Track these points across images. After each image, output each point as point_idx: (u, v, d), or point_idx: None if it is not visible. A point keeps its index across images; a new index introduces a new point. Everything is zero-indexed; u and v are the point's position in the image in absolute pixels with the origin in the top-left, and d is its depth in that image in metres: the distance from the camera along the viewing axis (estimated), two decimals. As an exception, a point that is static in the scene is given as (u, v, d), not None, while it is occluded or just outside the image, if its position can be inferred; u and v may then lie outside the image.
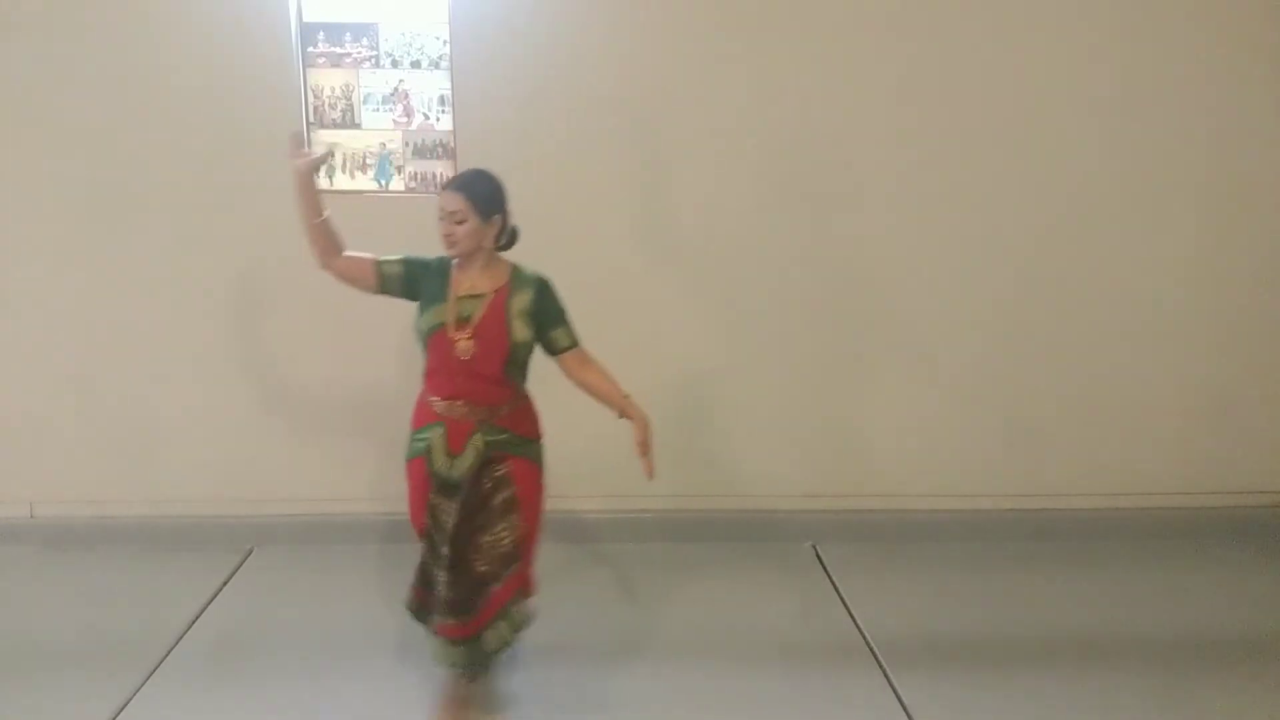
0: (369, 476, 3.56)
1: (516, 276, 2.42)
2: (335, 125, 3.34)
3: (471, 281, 2.38)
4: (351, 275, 2.43)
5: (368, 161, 3.35)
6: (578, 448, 3.52)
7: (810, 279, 3.47)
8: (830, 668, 2.78)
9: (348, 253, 2.44)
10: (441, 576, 2.41)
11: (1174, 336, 3.55)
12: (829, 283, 3.48)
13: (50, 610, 3.12)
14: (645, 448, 2.43)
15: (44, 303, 3.42)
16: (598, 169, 3.37)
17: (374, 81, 3.31)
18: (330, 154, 2.28)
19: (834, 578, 3.33)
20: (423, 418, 2.46)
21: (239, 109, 3.26)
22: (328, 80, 3.31)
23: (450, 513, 2.40)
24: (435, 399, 2.42)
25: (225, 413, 3.50)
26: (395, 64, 3.31)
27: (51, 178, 3.32)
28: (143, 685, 2.67)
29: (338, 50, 3.29)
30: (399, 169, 3.36)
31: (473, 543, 2.43)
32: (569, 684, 2.70)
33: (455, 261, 2.40)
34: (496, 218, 2.37)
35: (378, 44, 3.29)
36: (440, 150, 3.36)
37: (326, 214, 2.41)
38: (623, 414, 2.45)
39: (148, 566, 3.39)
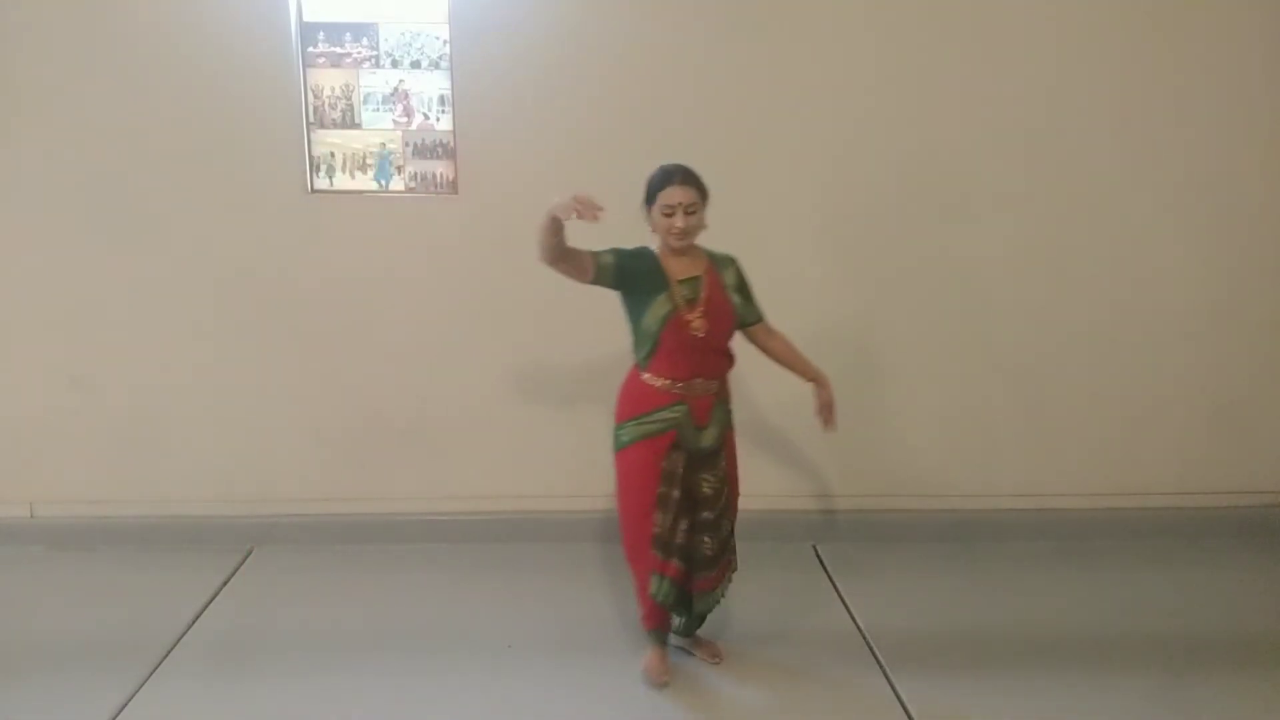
0: (369, 476, 3.56)
1: (713, 257, 2.58)
2: (335, 125, 3.34)
3: (684, 266, 2.51)
4: (568, 268, 2.44)
5: (368, 161, 3.36)
6: (570, 446, 3.54)
7: (811, 281, 3.47)
8: (830, 668, 2.78)
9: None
10: (705, 539, 2.58)
11: (1175, 337, 3.55)
12: (829, 285, 3.48)
13: (51, 610, 3.12)
14: (831, 408, 2.66)
15: (45, 302, 3.42)
16: (598, 169, 3.36)
17: (374, 81, 3.31)
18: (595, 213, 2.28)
19: (834, 578, 3.33)
20: (652, 401, 2.52)
21: (239, 109, 3.26)
22: (328, 80, 3.31)
23: (710, 481, 2.57)
24: (668, 381, 2.50)
25: (226, 413, 3.50)
26: (395, 64, 3.31)
27: (51, 177, 3.32)
28: (143, 685, 2.67)
29: (338, 50, 3.29)
30: (399, 169, 3.37)
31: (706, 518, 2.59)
32: (568, 682, 2.70)
33: (656, 252, 2.52)
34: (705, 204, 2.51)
35: (378, 44, 3.29)
36: (440, 150, 3.36)
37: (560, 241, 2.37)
38: (813, 377, 2.64)
39: (148, 566, 3.39)
